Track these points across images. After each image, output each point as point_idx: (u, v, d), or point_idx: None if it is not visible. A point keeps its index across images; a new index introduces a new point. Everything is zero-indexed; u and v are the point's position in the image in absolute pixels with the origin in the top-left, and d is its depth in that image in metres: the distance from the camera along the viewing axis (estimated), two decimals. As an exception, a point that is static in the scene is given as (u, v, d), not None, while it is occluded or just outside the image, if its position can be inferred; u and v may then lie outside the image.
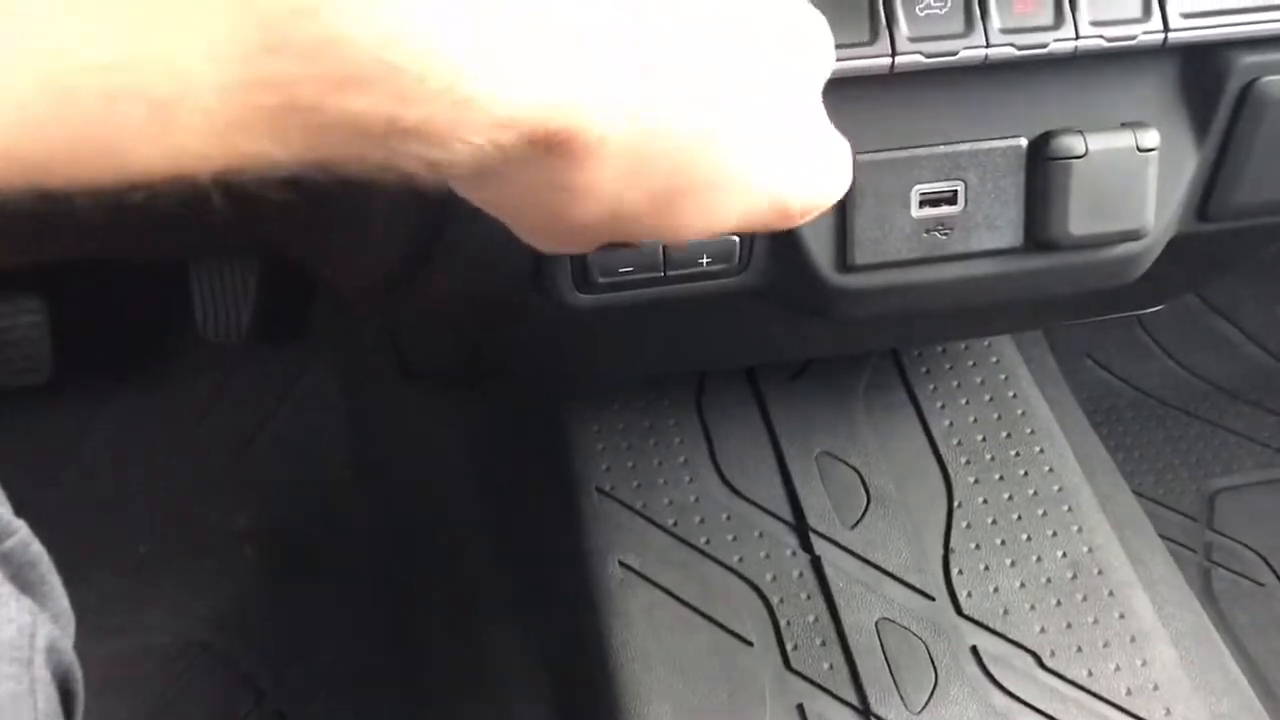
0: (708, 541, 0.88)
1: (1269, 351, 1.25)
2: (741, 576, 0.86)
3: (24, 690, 0.36)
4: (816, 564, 0.87)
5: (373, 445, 1.12)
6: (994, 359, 1.01)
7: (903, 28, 0.55)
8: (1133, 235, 0.62)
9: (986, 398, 0.98)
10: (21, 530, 0.40)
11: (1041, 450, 0.95)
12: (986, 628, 0.84)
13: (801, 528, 0.89)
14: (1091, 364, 1.23)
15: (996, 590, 0.87)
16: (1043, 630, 0.85)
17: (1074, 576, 0.88)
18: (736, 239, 0.59)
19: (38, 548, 0.41)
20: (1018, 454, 0.95)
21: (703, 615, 0.84)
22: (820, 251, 0.61)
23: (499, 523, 0.95)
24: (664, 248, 0.58)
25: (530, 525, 0.93)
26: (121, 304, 1.13)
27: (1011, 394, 0.99)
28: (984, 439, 0.96)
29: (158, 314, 1.15)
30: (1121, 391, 1.23)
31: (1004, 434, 0.96)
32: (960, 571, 0.87)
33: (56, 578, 0.42)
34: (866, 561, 0.87)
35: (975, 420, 0.97)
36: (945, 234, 0.60)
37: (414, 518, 1.04)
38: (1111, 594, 0.87)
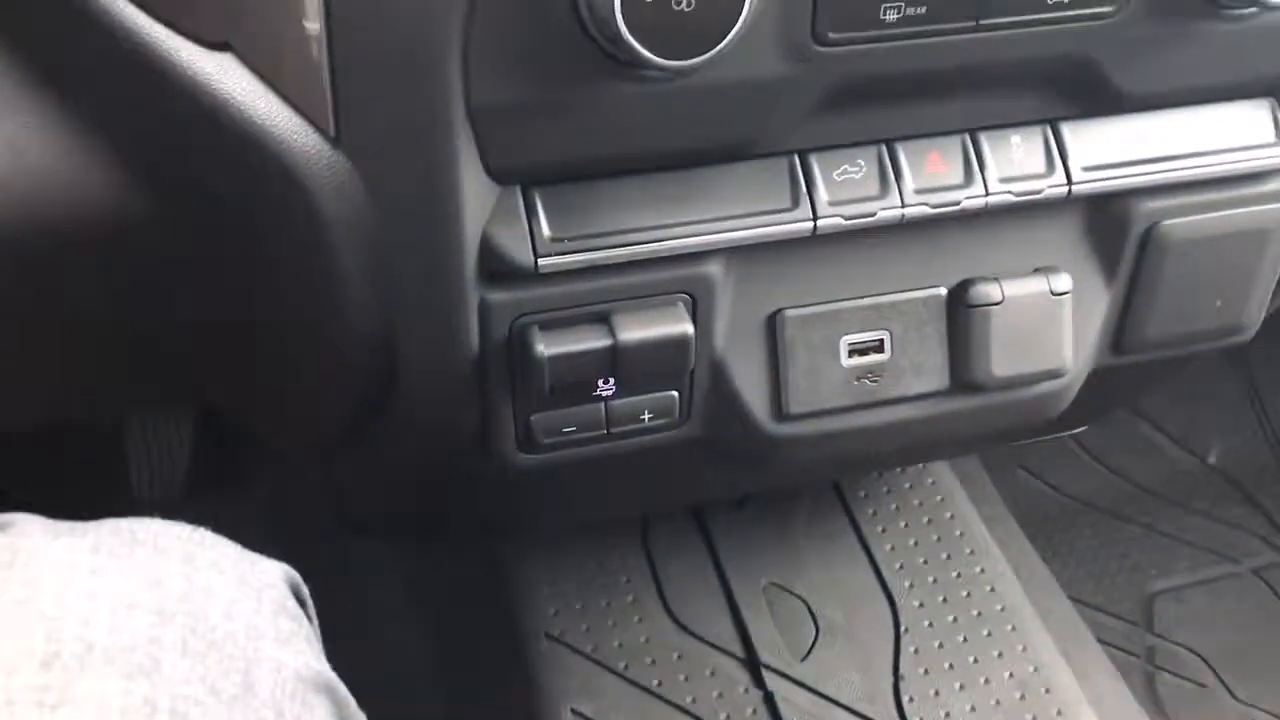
0: (659, 684, 0.87)
1: (1194, 454, 1.28)
2: (695, 718, 0.85)
3: None
4: (770, 700, 0.87)
5: (312, 595, 1.10)
6: (930, 480, 1.03)
7: (822, 193, 0.58)
8: (1053, 374, 0.64)
9: (925, 519, 1.00)
10: None
11: (982, 570, 0.97)
12: (941, 755, 0.85)
13: (753, 662, 0.89)
14: (1023, 474, 1.25)
15: (948, 715, 0.87)
16: (996, 754, 0.85)
17: (1022, 697, 0.88)
18: (676, 394, 0.61)
19: None
20: (959, 575, 0.96)
21: (659, 761, 0.83)
22: (756, 402, 0.62)
23: (446, 674, 0.94)
24: (606, 407, 0.59)
25: (479, 676, 0.92)
26: (55, 468, 1.11)
27: (949, 514, 1.01)
28: (925, 561, 0.97)
29: (91, 475, 1.13)
30: (1054, 499, 1.25)
31: (944, 555, 0.98)
32: (911, 699, 0.88)
33: None
34: (818, 694, 0.87)
35: (916, 543, 0.98)
36: (875, 380, 0.62)
37: (356, 670, 1.02)
38: (1060, 713, 0.88)
